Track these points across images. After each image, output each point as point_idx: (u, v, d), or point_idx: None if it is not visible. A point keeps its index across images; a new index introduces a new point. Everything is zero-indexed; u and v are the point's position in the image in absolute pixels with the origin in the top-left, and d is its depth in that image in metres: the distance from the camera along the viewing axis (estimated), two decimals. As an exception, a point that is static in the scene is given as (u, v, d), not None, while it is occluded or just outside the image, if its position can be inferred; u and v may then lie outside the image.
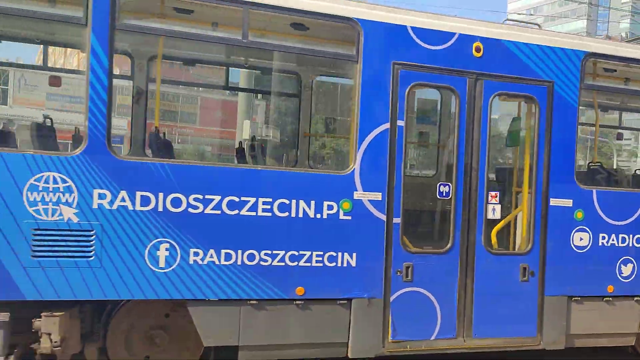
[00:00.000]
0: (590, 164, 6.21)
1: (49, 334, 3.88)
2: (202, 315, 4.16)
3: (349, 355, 4.53)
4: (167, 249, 4.01)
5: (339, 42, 4.73)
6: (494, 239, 5.01)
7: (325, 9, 4.32)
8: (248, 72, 7.53)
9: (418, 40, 4.56)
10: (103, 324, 4.26)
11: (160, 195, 3.98)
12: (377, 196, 4.48)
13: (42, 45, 5.79)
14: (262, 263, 4.23)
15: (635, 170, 6.89)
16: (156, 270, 3.99)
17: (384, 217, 4.50)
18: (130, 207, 3.92)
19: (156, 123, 4.62)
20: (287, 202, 4.27)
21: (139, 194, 3.94)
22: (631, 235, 5.19)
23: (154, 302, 4.21)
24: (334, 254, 4.40)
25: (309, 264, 4.34)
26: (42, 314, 3.86)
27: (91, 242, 3.85)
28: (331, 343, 4.52)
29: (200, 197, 4.07)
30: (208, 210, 4.10)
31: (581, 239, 5.09)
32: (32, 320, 3.88)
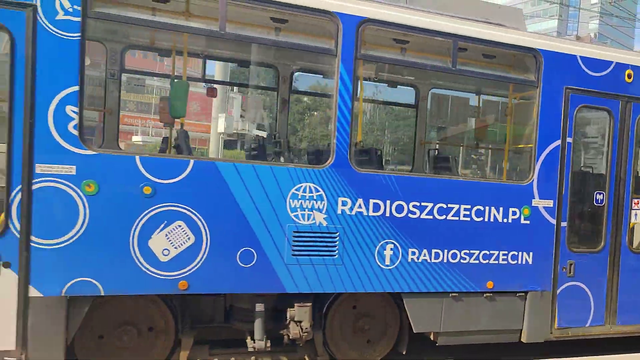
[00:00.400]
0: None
1: (300, 322, 4.51)
2: (414, 305, 4.82)
3: (523, 340, 5.25)
4: (391, 249, 4.65)
5: (510, 68, 5.40)
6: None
7: (515, 41, 4.98)
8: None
9: (584, 68, 5.25)
10: (324, 313, 4.88)
11: (388, 202, 4.62)
12: (549, 203, 5.18)
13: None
14: (462, 261, 4.90)
15: None
16: (383, 267, 4.63)
17: (554, 221, 5.21)
18: (365, 213, 4.55)
19: (359, 137, 5.22)
20: (482, 208, 4.95)
21: (371, 201, 4.57)
22: None
23: (364, 295, 4.85)
24: (516, 253, 5.09)
25: (497, 262, 5.03)
26: (295, 305, 4.49)
27: (335, 243, 4.47)
28: (508, 330, 5.23)
29: (418, 204, 4.72)
30: (423, 215, 4.75)
31: None
32: (287, 310, 4.51)
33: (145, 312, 4.35)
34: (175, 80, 4.83)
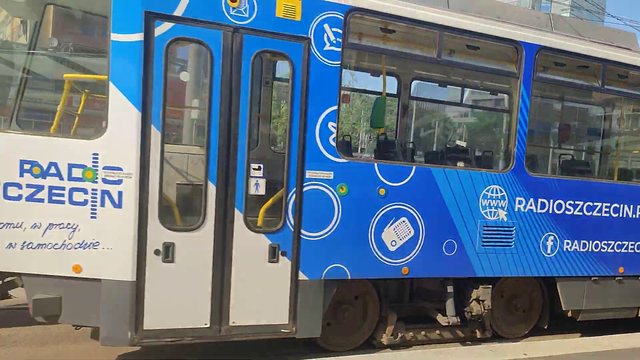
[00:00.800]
0: None
1: (483, 301, 5.38)
2: (565, 287, 5.74)
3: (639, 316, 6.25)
4: (551, 240, 5.55)
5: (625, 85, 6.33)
6: None
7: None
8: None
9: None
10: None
11: (551, 201, 5.50)
12: None
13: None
14: (602, 250, 5.83)
15: None
16: (545, 255, 5.53)
17: None
18: (534, 210, 5.43)
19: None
20: (617, 205, 5.87)
21: (539, 200, 5.44)
22: None
23: (519, 278, 5.74)
24: (641, 243, 6.06)
25: (627, 251, 5.98)
26: (480, 286, 5.35)
27: (512, 236, 5.34)
28: (629, 307, 6.20)
29: (572, 202, 5.62)
30: (576, 212, 5.65)
31: None
32: (473, 290, 5.37)
33: (361, 293, 5.16)
34: (378, 97, 5.60)
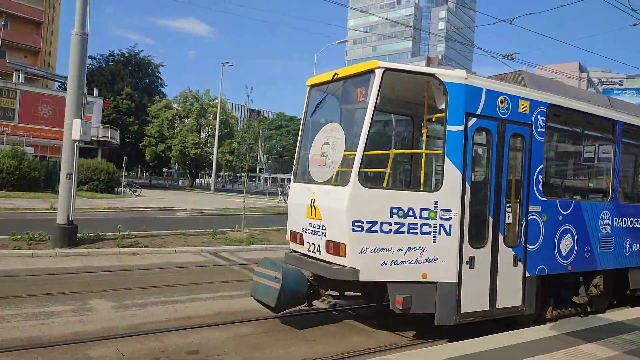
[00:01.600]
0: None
1: (598, 286, 8.26)
2: (634, 275, 8.83)
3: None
4: (628, 244, 8.62)
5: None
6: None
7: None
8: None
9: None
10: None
11: (631, 219, 8.58)
12: None
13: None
14: (650, 249, 9.06)
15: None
16: (625, 254, 8.57)
17: None
18: (622, 225, 8.47)
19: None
20: (656, 220, 9.15)
21: (623, 218, 8.50)
22: None
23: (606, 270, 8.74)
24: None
25: (660, 249, 9.28)
26: (597, 275, 8.23)
27: (612, 242, 8.32)
28: (659, 286, 9.50)
29: (638, 219, 8.75)
30: (638, 225, 8.79)
31: None
32: (593, 279, 8.22)
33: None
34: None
